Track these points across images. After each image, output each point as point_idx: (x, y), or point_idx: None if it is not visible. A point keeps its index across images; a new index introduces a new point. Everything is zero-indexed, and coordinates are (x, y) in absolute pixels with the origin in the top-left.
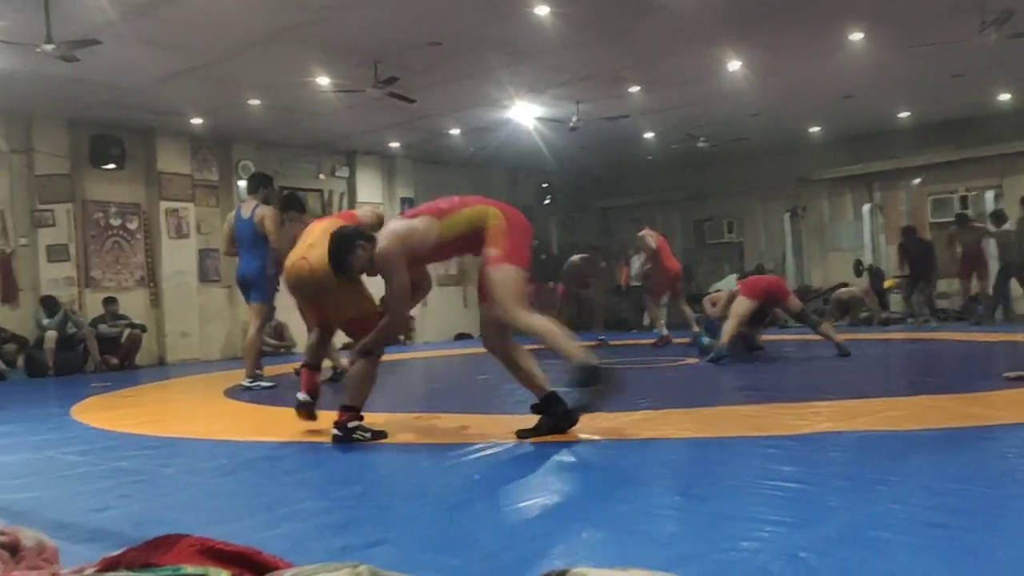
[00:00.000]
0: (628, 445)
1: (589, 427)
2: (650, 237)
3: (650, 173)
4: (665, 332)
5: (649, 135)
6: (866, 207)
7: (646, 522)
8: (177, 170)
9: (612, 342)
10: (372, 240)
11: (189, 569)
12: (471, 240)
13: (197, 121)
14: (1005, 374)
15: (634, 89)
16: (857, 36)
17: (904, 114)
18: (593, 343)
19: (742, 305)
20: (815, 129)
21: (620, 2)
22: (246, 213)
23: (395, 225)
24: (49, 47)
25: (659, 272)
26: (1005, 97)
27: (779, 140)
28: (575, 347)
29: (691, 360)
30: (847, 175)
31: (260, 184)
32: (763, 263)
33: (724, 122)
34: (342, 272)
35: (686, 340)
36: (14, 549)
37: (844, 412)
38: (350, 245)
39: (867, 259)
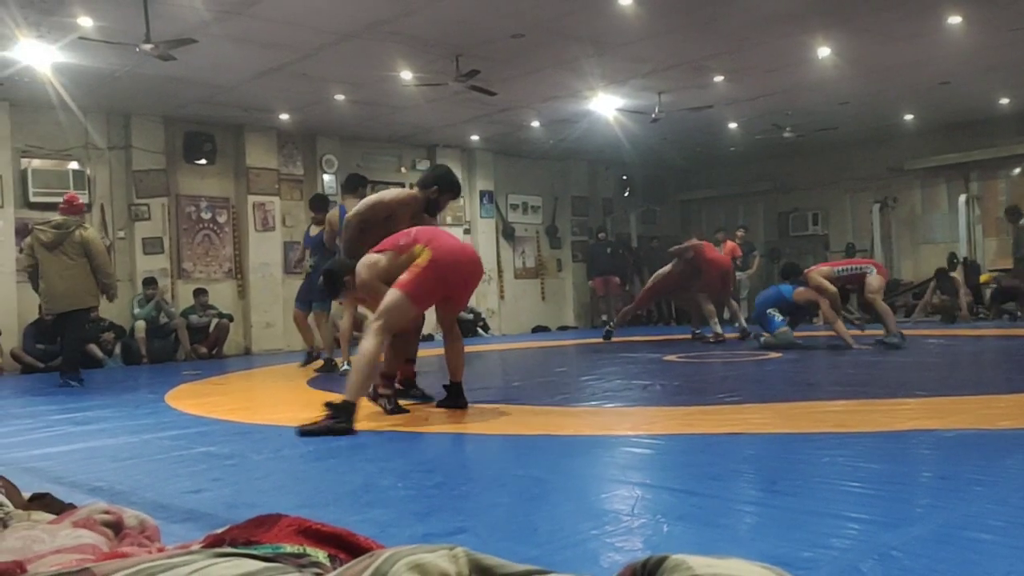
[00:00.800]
0: (707, 439)
1: (662, 422)
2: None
3: (733, 165)
4: (719, 330)
5: (732, 125)
6: (962, 198)
7: (728, 517)
8: (264, 165)
9: (676, 336)
10: (353, 271)
11: (288, 548)
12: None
13: (284, 117)
14: None
15: (718, 79)
16: (955, 20)
17: (1004, 100)
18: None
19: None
20: (908, 117)
21: None
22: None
23: (365, 259)
24: (148, 47)
25: (706, 273)
26: None
27: (869, 129)
28: (361, 388)
29: (773, 355)
30: (942, 164)
31: (358, 184)
32: (853, 243)
33: (811, 111)
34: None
35: (735, 335)
36: (118, 527)
37: (935, 409)
38: (340, 280)
39: (962, 252)
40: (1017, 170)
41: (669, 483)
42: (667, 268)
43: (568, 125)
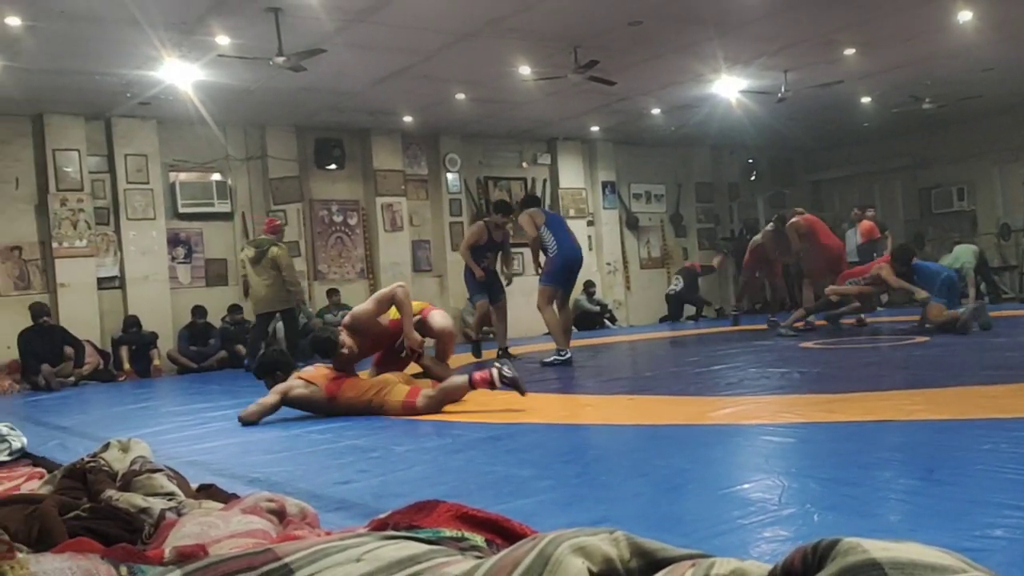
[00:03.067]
0: (853, 427)
1: (803, 410)
2: (792, 229)
3: (866, 141)
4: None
5: (865, 100)
6: None
7: (881, 506)
8: (390, 166)
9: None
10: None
11: (448, 532)
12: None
13: (407, 119)
14: None
15: (849, 52)
16: None
17: None
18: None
19: None
20: None
21: None
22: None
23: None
24: (280, 59)
25: (815, 254)
26: None
27: (1017, 96)
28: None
29: (921, 339)
30: None
31: (501, 211)
32: (1009, 223)
33: (952, 80)
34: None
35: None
36: (281, 514)
37: None
38: (333, 348)
39: None
40: None
41: (815, 472)
42: (759, 237)
43: (689, 110)
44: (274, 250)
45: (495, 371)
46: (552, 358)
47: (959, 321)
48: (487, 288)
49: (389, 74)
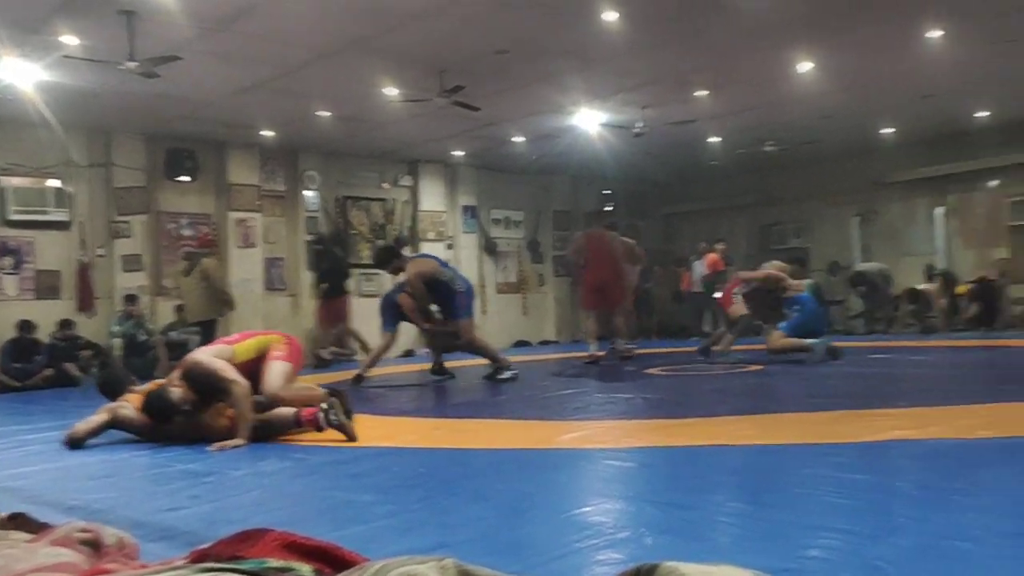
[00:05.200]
0: (690, 452)
1: (644, 435)
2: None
3: (715, 178)
4: (594, 349)
5: (715, 139)
6: (939, 210)
7: (711, 529)
8: (246, 181)
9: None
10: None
11: (273, 563)
12: (257, 360)
13: (267, 133)
14: None
15: (701, 93)
16: (936, 33)
17: (983, 113)
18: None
19: None
20: (889, 130)
21: (690, 4)
22: None
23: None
24: (132, 64)
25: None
26: None
27: (851, 142)
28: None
29: (755, 367)
30: (921, 177)
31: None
32: (839, 261)
33: (793, 125)
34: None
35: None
36: (97, 545)
37: (916, 419)
38: (171, 412)
39: (940, 264)
40: (995, 182)
41: (652, 496)
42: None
43: (551, 140)
44: (205, 261)
45: (321, 414)
46: (508, 375)
47: (814, 351)
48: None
49: (248, 86)
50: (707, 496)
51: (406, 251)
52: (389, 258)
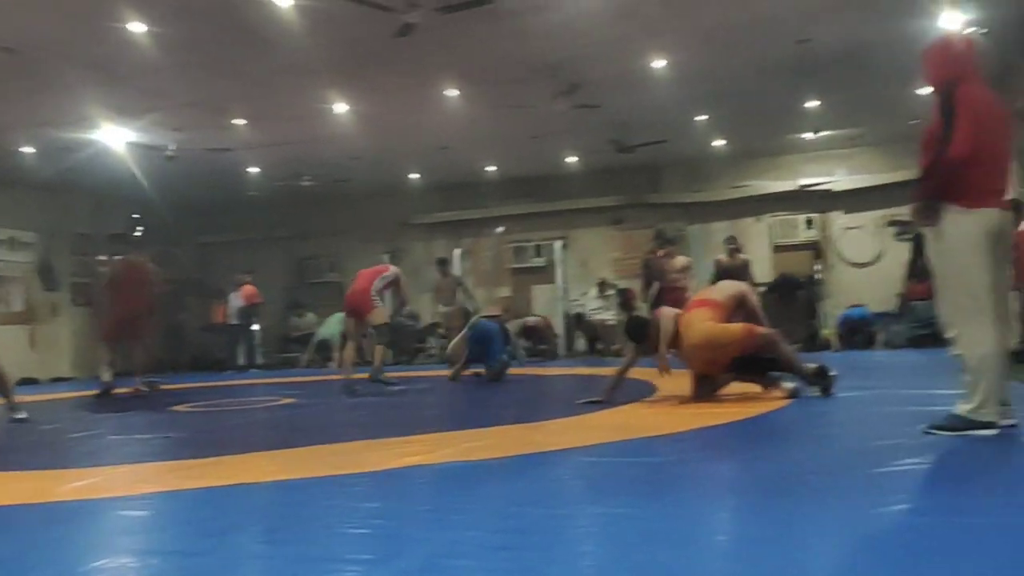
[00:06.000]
0: (210, 493)
1: (163, 479)
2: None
3: (255, 209)
4: (108, 378)
5: (254, 170)
6: (457, 251)
7: (231, 572)
8: None
9: (165, 385)
10: None
11: None
12: None
13: None
14: (578, 401)
15: (239, 122)
16: (452, 92)
17: (491, 168)
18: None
19: None
20: (414, 176)
21: (227, 32)
22: None
23: None
24: None
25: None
26: (572, 159)
27: (380, 184)
28: None
29: (287, 400)
30: (441, 221)
31: None
32: None
33: (328, 162)
34: None
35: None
36: None
37: (428, 445)
38: None
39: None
40: (500, 228)
41: (164, 545)
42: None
43: (70, 154)
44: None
45: None
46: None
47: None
48: None
49: None
50: (224, 539)
51: None
52: None
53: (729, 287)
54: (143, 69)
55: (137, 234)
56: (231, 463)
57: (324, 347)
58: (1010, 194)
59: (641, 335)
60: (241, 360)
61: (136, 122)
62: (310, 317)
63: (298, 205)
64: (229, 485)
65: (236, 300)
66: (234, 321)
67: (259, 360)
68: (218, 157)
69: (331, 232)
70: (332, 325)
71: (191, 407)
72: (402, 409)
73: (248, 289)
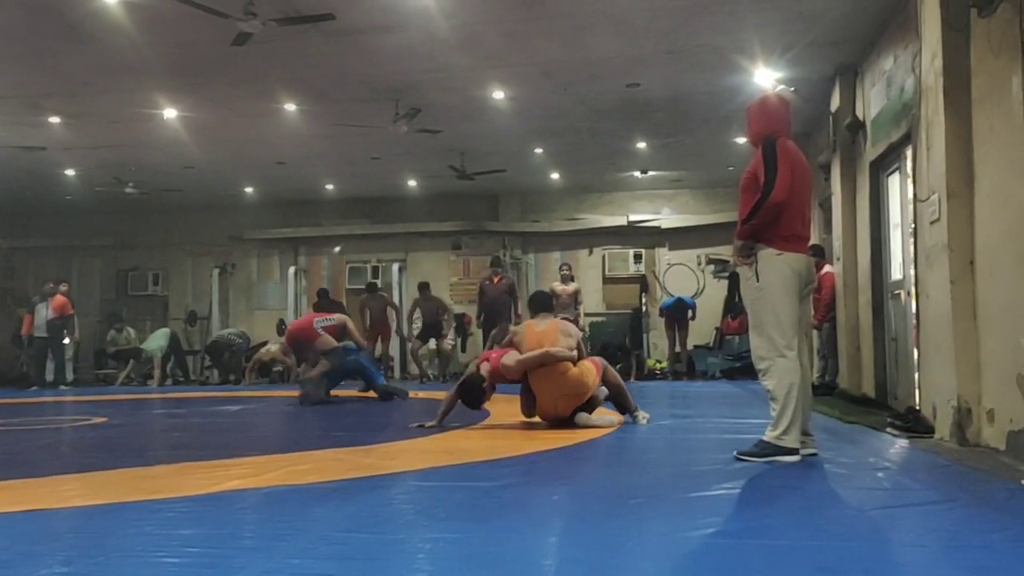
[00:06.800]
0: (1, 520)
1: None
2: None
3: (70, 215)
4: None
5: (71, 172)
6: (292, 269)
7: None
8: None
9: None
10: None
11: None
12: None
13: None
14: (411, 425)
15: (55, 120)
16: (291, 107)
17: (330, 186)
18: None
19: None
20: (249, 189)
21: (46, 22)
22: None
23: None
24: None
25: None
26: (413, 183)
27: (213, 196)
28: None
29: (99, 419)
30: (276, 237)
31: None
32: (196, 311)
33: (157, 170)
34: None
35: None
36: None
37: (254, 468)
38: None
39: (289, 319)
40: (337, 248)
41: None
42: None
43: None
44: None
45: None
46: None
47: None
48: None
49: None
50: (10, 571)
51: None
52: None
53: (569, 339)
54: None
55: None
56: (26, 487)
57: (145, 362)
58: (811, 240)
59: (478, 401)
60: (49, 376)
61: None
62: (127, 333)
63: (121, 213)
64: (22, 511)
65: (45, 311)
66: (42, 334)
67: (69, 376)
68: (30, 156)
69: (158, 243)
70: (156, 339)
71: None
72: (228, 431)
73: (59, 300)
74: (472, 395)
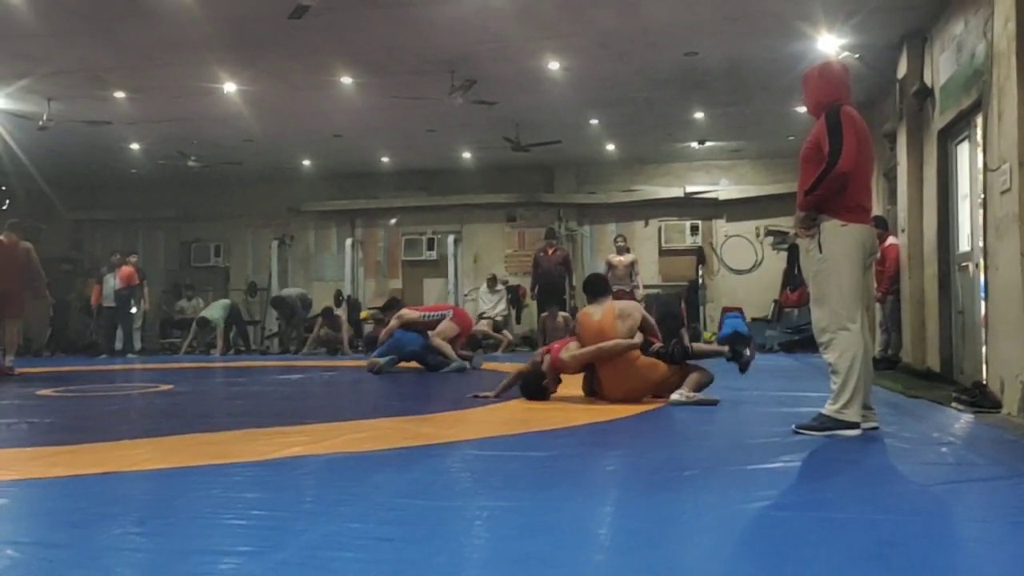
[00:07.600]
0: (74, 481)
1: (22, 466)
2: None
3: (134, 187)
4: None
5: (135, 146)
6: (348, 241)
7: (84, 568)
8: None
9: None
10: None
11: None
12: None
13: None
14: (468, 395)
15: (119, 94)
16: (347, 79)
17: (385, 158)
18: None
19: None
20: (307, 162)
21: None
22: None
23: None
24: None
25: None
26: (468, 155)
27: (272, 168)
28: None
29: (166, 386)
30: (333, 210)
31: None
32: (256, 282)
33: (217, 143)
34: None
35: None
36: None
37: (314, 436)
38: None
39: (347, 290)
40: (393, 220)
41: (18, 536)
42: None
43: None
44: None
45: None
46: None
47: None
48: None
49: None
50: (88, 530)
51: None
52: None
53: (628, 320)
54: (14, 31)
55: (3, 208)
56: (100, 450)
57: (208, 331)
58: (874, 211)
59: (540, 397)
60: (118, 345)
61: (7, 89)
62: (196, 302)
63: (184, 186)
64: (97, 474)
65: (113, 281)
66: (110, 304)
67: (137, 345)
68: (96, 130)
69: (219, 216)
70: (216, 309)
71: (61, 392)
72: (288, 399)
73: (126, 270)
74: (532, 393)
